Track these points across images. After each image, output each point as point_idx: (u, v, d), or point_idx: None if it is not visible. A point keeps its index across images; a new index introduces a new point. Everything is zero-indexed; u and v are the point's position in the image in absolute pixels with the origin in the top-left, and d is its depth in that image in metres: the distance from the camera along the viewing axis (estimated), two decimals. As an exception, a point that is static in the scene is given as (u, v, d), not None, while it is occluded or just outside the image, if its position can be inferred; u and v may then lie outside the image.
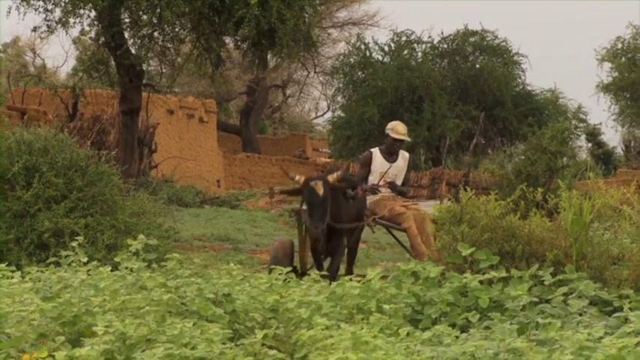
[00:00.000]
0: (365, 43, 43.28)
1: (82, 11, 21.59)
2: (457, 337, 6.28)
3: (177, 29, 22.34)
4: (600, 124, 53.16)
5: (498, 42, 42.61)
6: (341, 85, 43.71)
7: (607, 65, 46.40)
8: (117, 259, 7.99)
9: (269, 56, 26.37)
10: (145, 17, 21.65)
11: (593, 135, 52.89)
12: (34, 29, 22.39)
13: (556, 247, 8.60)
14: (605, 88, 46.38)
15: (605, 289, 7.86)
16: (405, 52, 42.40)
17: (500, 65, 42.18)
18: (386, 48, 42.80)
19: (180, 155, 34.97)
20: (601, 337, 5.92)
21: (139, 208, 12.48)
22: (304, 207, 11.22)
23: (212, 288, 7.12)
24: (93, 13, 21.68)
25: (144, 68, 23.73)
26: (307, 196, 11.02)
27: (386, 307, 7.13)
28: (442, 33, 43.29)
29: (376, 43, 43.23)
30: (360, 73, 42.90)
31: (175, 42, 22.80)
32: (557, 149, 20.79)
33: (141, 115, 25.86)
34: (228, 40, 23.40)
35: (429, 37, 43.17)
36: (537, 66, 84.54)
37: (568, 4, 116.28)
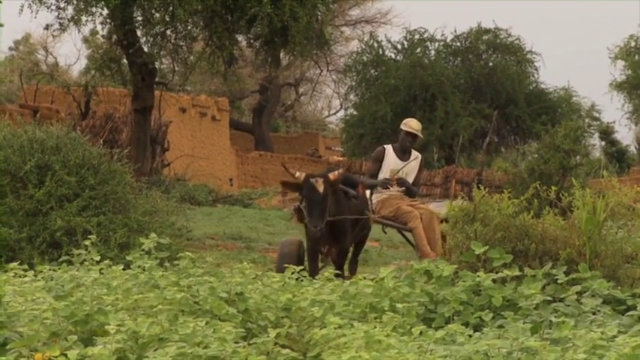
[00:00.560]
0: (378, 41, 43.29)
1: (94, 9, 21.61)
2: (470, 336, 6.26)
3: (189, 27, 22.35)
4: (614, 122, 53.05)
5: (511, 40, 42.59)
6: (354, 84, 43.68)
7: (620, 63, 46.45)
8: (129, 258, 7.97)
9: (282, 54, 26.32)
10: (157, 15, 21.66)
11: (606, 133, 52.73)
12: (47, 27, 22.39)
13: (569, 245, 8.58)
14: (619, 86, 46.35)
15: (619, 287, 7.86)
16: (418, 50, 42.37)
17: (513, 63, 42.17)
18: (399, 46, 42.81)
19: (192, 154, 35.01)
20: (614, 336, 5.91)
21: (151, 206, 12.45)
22: (303, 205, 10.99)
23: (225, 287, 7.11)
24: (105, 11, 21.69)
25: (156, 66, 23.73)
26: (307, 193, 10.85)
27: (399, 305, 7.12)
28: (455, 31, 43.49)
29: (389, 41, 43.27)
30: (372, 71, 42.87)
31: (188, 40, 22.82)
32: (570, 147, 20.72)
33: (153, 114, 25.89)
34: (240, 38, 23.37)
35: (442, 35, 43.32)
36: (551, 64, 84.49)
37: (581, 3, 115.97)
